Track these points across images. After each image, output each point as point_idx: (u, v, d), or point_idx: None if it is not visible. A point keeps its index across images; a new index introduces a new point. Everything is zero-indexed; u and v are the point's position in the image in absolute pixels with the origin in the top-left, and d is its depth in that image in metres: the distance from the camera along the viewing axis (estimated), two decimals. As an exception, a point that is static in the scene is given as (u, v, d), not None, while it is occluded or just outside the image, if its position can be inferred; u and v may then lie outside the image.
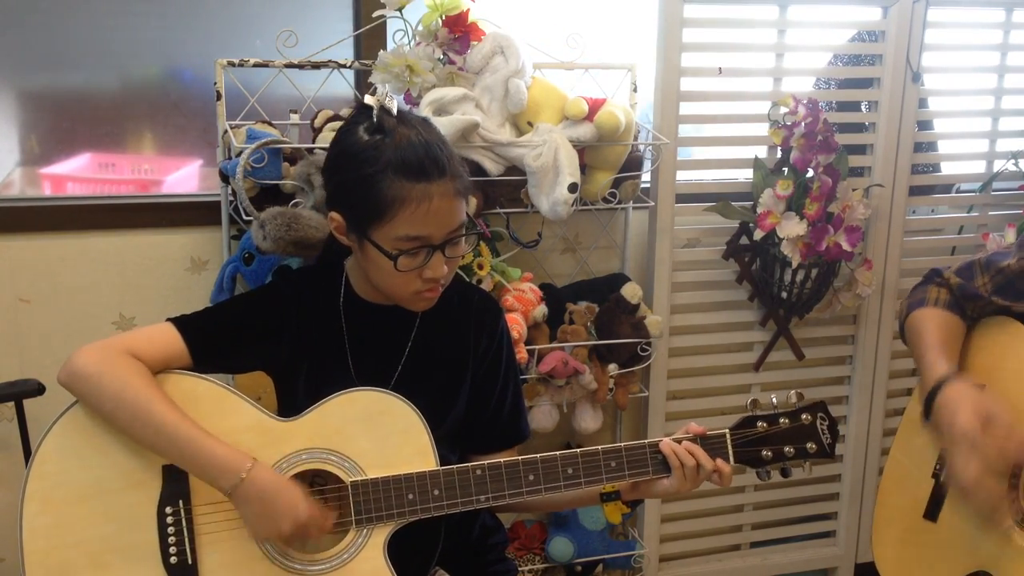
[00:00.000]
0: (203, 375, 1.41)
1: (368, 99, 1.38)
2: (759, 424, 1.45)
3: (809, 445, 1.45)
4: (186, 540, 1.36)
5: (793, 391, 1.47)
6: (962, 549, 1.59)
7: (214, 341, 1.44)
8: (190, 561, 1.36)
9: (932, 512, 1.64)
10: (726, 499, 2.52)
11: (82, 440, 1.36)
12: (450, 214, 1.37)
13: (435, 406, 1.47)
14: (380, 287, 1.45)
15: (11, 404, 1.86)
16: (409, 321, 1.51)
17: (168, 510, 1.36)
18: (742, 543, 2.59)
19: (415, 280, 1.39)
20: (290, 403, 1.49)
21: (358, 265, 1.48)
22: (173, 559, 1.36)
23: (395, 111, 1.38)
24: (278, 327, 1.48)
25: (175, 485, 1.36)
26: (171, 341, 1.41)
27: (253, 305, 1.52)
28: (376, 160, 1.34)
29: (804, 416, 1.46)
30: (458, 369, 1.53)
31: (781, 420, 1.45)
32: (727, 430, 1.46)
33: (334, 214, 1.42)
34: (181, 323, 1.43)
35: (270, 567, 1.38)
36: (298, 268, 1.71)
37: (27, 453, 1.84)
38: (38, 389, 1.84)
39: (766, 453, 1.45)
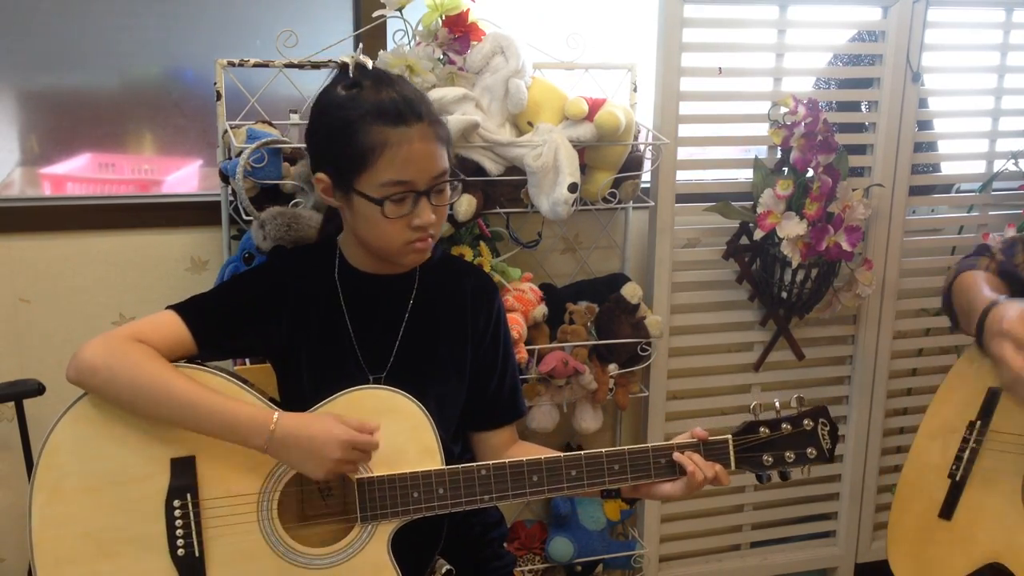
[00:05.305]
0: (214, 371, 1.41)
1: (344, 58, 1.44)
2: (761, 430, 1.47)
3: (809, 450, 1.48)
4: (193, 533, 1.37)
5: (795, 396, 1.50)
6: (976, 542, 1.62)
7: (215, 322, 1.46)
8: (197, 553, 1.37)
9: (947, 511, 1.67)
10: (726, 499, 2.52)
11: (91, 431, 1.37)
12: (431, 158, 1.39)
13: (437, 379, 1.51)
14: (372, 244, 1.46)
15: (11, 404, 1.86)
16: (406, 289, 1.53)
17: (176, 503, 1.37)
18: (742, 543, 2.59)
19: (404, 230, 1.41)
20: (294, 387, 1.49)
21: (350, 233, 1.50)
22: (180, 551, 1.37)
23: (370, 67, 1.42)
24: (277, 303, 1.49)
25: (183, 478, 1.37)
26: (174, 327, 1.42)
27: (250, 283, 1.53)
28: (355, 110, 1.38)
29: (806, 421, 1.48)
30: (460, 344, 1.55)
31: (783, 426, 1.48)
32: (729, 436, 1.47)
33: (320, 175, 1.45)
34: (182, 308, 1.45)
35: (276, 561, 1.39)
36: (292, 247, 1.73)
37: (27, 453, 1.85)
38: (38, 389, 1.85)
39: (767, 458, 1.47)
